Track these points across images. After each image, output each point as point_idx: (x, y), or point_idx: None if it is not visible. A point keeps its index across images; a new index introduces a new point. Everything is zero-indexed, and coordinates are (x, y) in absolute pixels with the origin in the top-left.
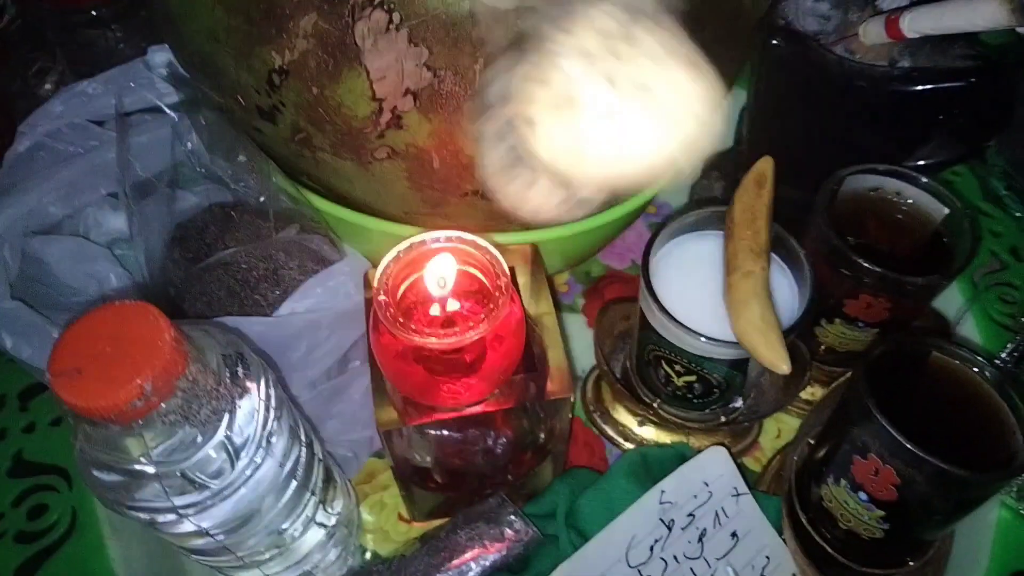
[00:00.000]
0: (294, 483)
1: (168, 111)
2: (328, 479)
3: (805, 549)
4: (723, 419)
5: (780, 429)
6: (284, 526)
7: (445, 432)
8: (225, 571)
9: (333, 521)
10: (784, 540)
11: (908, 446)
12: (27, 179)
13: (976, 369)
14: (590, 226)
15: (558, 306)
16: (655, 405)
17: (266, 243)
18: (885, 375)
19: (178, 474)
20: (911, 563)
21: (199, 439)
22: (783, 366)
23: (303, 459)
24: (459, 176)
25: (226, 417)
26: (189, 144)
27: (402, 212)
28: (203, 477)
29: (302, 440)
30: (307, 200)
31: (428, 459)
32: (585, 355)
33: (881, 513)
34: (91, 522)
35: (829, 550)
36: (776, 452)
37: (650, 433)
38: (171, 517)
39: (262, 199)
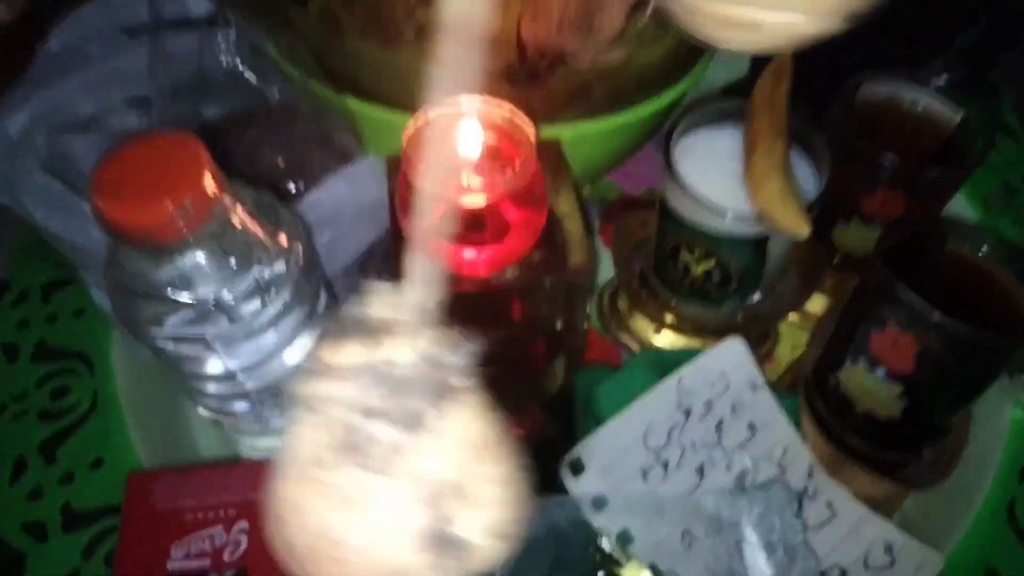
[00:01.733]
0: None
1: (197, 20)
2: None
3: (823, 438)
4: (740, 318)
5: (795, 344)
6: None
7: (464, 308)
8: (245, 442)
9: None
10: (802, 434)
11: (925, 309)
12: (57, 75)
13: (985, 251)
14: (612, 125)
15: None
16: (672, 303)
17: (291, 136)
18: (901, 264)
19: (211, 304)
20: (926, 451)
21: (234, 270)
22: (803, 229)
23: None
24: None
25: (260, 253)
26: (217, 53)
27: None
28: (235, 310)
29: (331, 298)
30: (334, 97)
31: None
32: (602, 273)
33: (899, 388)
34: (112, 404)
35: (847, 438)
36: (790, 364)
37: (667, 340)
38: (200, 349)
39: (289, 98)
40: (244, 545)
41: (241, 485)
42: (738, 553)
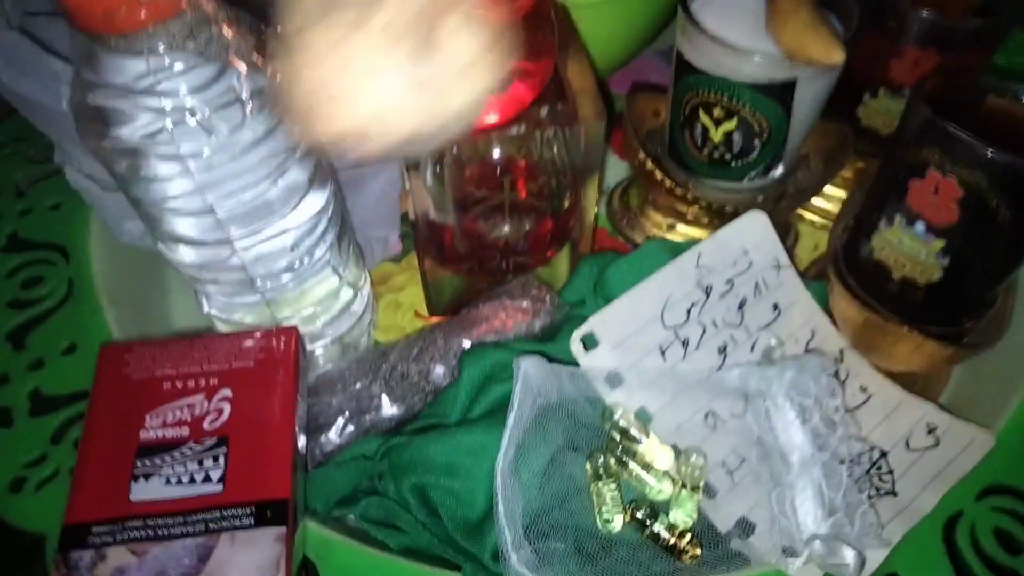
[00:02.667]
0: (306, 181)
1: None
2: (344, 231)
3: (857, 306)
4: (761, 199)
5: (817, 243)
6: (297, 242)
7: (467, 171)
8: (224, 316)
9: (347, 273)
10: (831, 314)
11: (971, 141)
12: None
13: None
14: None
15: None
16: (689, 185)
17: None
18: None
19: (185, 111)
20: (968, 324)
21: (208, 73)
22: (837, 55)
23: (319, 165)
24: None
25: (238, 61)
26: None
27: None
28: (212, 121)
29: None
30: None
31: (448, 213)
32: (611, 178)
33: (940, 244)
34: (88, 291)
35: (882, 313)
36: (812, 262)
37: (681, 237)
38: (174, 171)
39: None
40: (227, 413)
41: (224, 354)
42: (768, 424)
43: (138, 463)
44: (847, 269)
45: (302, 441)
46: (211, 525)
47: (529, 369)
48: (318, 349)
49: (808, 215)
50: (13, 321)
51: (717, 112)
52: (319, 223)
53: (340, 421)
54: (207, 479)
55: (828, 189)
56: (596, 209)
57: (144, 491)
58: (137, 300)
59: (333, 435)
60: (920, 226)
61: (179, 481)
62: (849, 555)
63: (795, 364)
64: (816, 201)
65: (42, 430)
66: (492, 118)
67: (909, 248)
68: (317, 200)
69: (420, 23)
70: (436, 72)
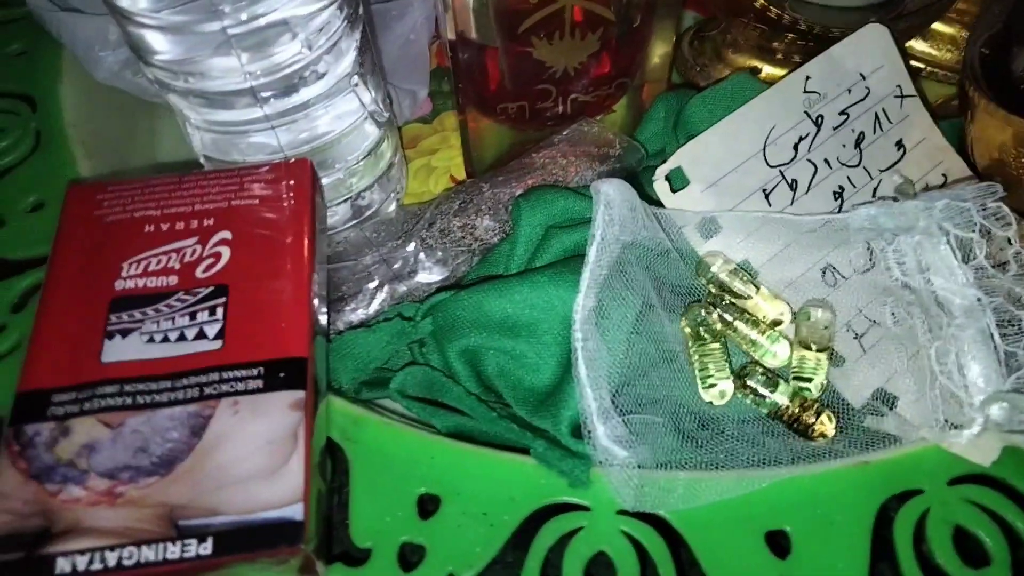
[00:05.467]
0: None
1: None
2: (368, 47)
3: (1015, 132)
4: (874, 19)
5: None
6: (308, 38)
7: None
8: (228, 149)
9: (369, 99)
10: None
11: None
12: None
13: None
14: None
15: None
16: (786, 7)
17: None
18: None
19: None
20: None
21: None
22: None
23: None
24: None
25: None
26: None
27: None
28: None
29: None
30: None
31: (493, 32)
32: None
33: None
34: (58, 143)
35: None
36: None
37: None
38: None
39: None
40: (226, 258)
41: (221, 191)
42: (916, 265)
43: (112, 318)
44: (990, 97)
45: (323, 315)
46: (207, 390)
47: (612, 193)
48: (338, 208)
49: (912, 63)
50: None
51: None
52: (335, 19)
53: (369, 288)
54: (201, 335)
55: (937, 26)
56: (671, 47)
57: (120, 351)
58: (118, 149)
59: (360, 306)
60: None
61: (165, 339)
62: None
63: (946, 192)
64: (920, 45)
65: (1, 297)
66: None
67: None
68: None
69: None
70: None
